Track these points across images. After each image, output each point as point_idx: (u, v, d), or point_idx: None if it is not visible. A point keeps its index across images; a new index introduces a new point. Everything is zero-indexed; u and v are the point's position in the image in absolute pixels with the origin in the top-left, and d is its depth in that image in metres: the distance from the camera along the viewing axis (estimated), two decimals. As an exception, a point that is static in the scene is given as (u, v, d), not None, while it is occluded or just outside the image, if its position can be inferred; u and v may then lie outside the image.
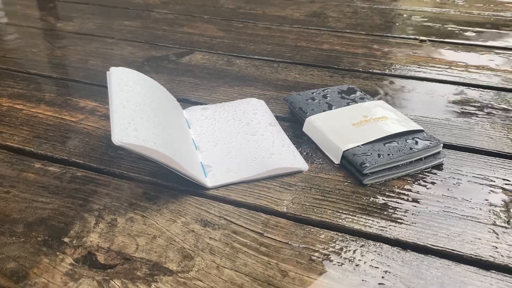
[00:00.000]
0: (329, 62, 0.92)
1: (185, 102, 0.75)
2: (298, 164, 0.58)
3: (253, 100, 0.73)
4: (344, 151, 0.58)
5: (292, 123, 0.69)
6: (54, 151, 0.63)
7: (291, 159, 0.59)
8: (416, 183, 0.56)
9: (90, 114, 0.72)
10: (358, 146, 0.58)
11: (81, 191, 0.55)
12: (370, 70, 0.88)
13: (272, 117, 0.69)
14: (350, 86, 0.74)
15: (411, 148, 0.58)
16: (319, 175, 0.57)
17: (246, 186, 0.55)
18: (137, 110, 0.55)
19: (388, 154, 0.57)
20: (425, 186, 0.55)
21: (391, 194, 0.54)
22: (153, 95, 0.62)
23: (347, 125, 0.62)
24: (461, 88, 0.81)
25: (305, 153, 0.62)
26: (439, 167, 0.59)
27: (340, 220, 0.50)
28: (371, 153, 0.57)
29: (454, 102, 0.75)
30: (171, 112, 0.64)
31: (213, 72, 0.88)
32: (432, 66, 0.89)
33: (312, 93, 0.72)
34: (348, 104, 0.68)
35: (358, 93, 0.72)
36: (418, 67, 0.89)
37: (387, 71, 0.87)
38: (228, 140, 0.63)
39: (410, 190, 0.54)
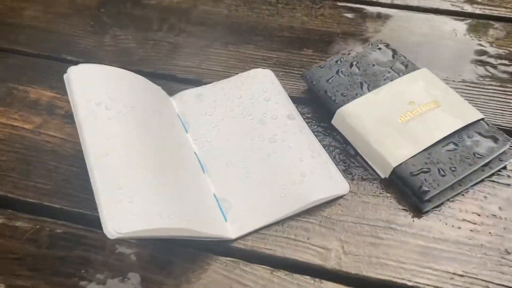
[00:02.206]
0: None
1: (170, 81, 0.58)
2: (338, 189, 0.46)
3: (258, 73, 0.56)
4: (395, 167, 0.46)
5: (313, 108, 0.55)
6: (17, 191, 0.48)
7: (328, 181, 0.47)
8: (485, 200, 0.46)
9: (49, 114, 0.54)
10: (411, 157, 0.46)
11: (68, 262, 0.42)
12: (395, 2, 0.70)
13: (288, 102, 0.54)
14: (380, 43, 0.58)
15: (475, 154, 0.46)
16: (365, 200, 0.46)
17: (278, 230, 0.44)
18: (124, 158, 0.39)
19: (452, 169, 0.45)
20: (496, 205, 0.45)
21: (459, 221, 0.44)
22: (137, 109, 0.45)
23: (392, 121, 0.49)
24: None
25: (340, 161, 0.49)
26: (503, 170, 0.48)
27: (406, 278, 0.41)
28: (430, 168, 0.45)
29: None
30: (164, 130, 0.48)
31: (195, 19, 0.67)
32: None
33: (336, 62, 0.56)
34: (384, 79, 0.53)
35: (393, 55, 0.56)
36: None
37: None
38: (242, 154, 0.49)
39: (483, 214, 0.45)
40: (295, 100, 0.55)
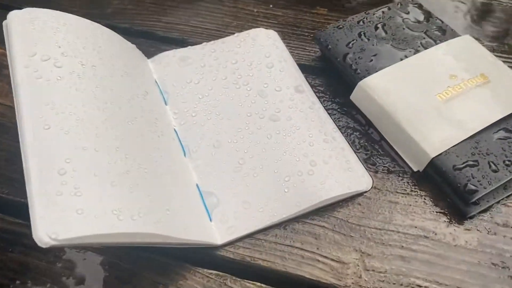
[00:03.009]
0: None
1: (148, 39, 0.46)
2: (358, 184, 0.36)
3: (260, 34, 0.45)
4: (433, 158, 0.35)
5: (327, 79, 0.44)
6: None
7: (346, 173, 0.36)
8: (545, 205, 0.35)
9: (-6, 75, 0.43)
10: (455, 145, 0.36)
11: (0, 269, 0.32)
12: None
13: (296, 70, 0.43)
14: (412, 3, 0.47)
15: (537, 145, 0.36)
16: (392, 199, 0.36)
17: (278, 235, 0.34)
18: (72, 134, 0.29)
19: (506, 164, 0.35)
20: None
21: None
22: (98, 69, 0.34)
23: (429, 99, 0.38)
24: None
25: (360, 148, 0.39)
26: None
27: (446, 306, 0.31)
28: (479, 161, 0.35)
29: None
30: (134, 99, 0.36)
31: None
32: None
33: (358, 22, 0.44)
34: (418, 46, 0.42)
35: (429, 18, 0.45)
36: None
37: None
38: (235, 134, 0.38)
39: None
40: (304, 68, 0.44)
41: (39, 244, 0.23)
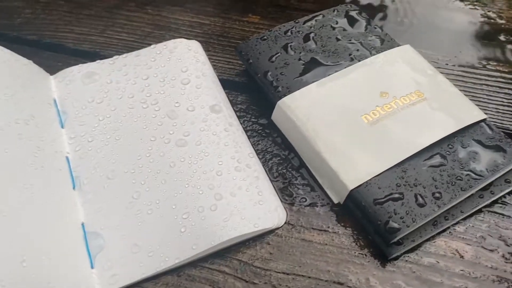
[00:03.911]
0: None
1: (58, 52, 0.42)
2: (269, 220, 0.31)
3: (180, 45, 0.41)
4: (352, 190, 0.31)
5: (252, 96, 0.39)
6: None
7: (256, 206, 0.31)
8: (484, 242, 0.31)
9: None
10: (377, 175, 0.31)
11: None
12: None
13: (216, 87, 0.39)
14: (350, 9, 0.42)
15: (471, 173, 0.31)
16: (307, 237, 0.31)
17: (170, 283, 0.29)
18: None
19: (435, 196, 0.30)
20: (499, 249, 0.31)
21: (443, 274, 0.29)
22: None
23: (354, 121, 0.34)
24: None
25: (278, 176, 0.34)
26: (510, 196, 0.34)
27: None
28: (404, 194, 0.30)
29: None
30: (19, 123, 0.31)
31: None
32: None
33: (286, 32, 0.40)
34: (351, 59, 0.38)
35: (366, 26, 0.41)
36: None
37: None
38: (134, 163, 0.33)
39: (479, 263, 0.30)
40: (227, 84, 0.39)
41: None
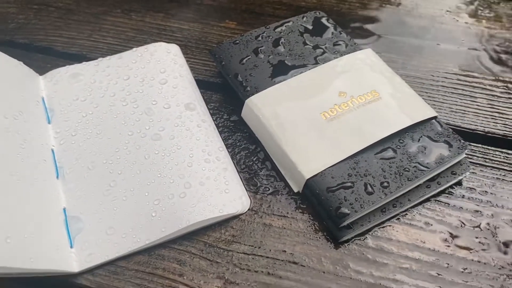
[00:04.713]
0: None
1: (48, 55, 0.45)
2: (233, 206, 0.34)
3: (160, 48, 0.44)
4: (308, 179, 0.34)
5: (225, 95, 0.43)
6: None
7: (222, 194, 0.35)
8: (428, 228, 0.34)
9: None
10: (332, 166, 0.34)
11: None
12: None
13: (191, 87, 0.42)
14: (318, 15, 0.46)
15: (418, 165, 0.35)
16: (268, 222, 0.34)
17: (141, 261, 0.32)
18: None
19: (384, 185, 0.34)
20: (442, 235, 0.34)
21: (389, 256, 0.32)
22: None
23: (313, 118, 0.37)
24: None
25: (245, 168, 0.38)
26: (456, 187, 0.37)
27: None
28: (355, 183, 0.34)
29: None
30: (7, 118, 0.35)
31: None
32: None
33: (257, 37, 0.43)
34: (315, 62, 0.41)
35: (332, 31, 0.44)
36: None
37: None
38: (112, 155, 0.37)
39: (423, 247, 0.33)
40: (203, 84, 0.43)
41: None
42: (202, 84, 0.43)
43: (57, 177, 0.36)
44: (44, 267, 0.30)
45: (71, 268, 0.31)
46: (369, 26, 0.49)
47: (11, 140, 0.34)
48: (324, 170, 0.34)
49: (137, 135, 0.38)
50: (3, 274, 0.28)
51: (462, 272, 0.32)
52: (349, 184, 0.34)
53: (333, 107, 0.37)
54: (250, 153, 0.38)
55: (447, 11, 0.51)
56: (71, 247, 0.32)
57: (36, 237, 0.31)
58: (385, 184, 0.34)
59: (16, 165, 0.33)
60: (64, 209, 0.34)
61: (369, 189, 0.33)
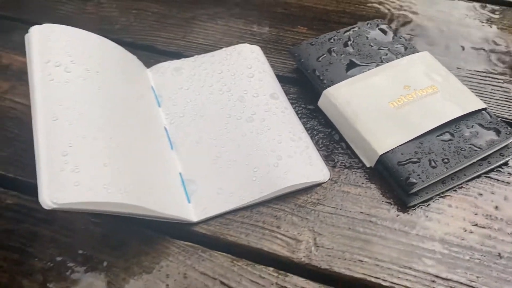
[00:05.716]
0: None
1: (150, 52, 0.54)
2: (317, 175, 0.42)
3: (245, 48, 0.52)
4: (381, 155, 0.41)
5: (301, 88, 0.50)
6: (-29, 157, 0.44)
7: (307, 166, 0.42)
8: (480, 198, 0.41)
9: (18, 80, 0.51)
10: (400, 145, 0.42)
11: (14, 236, 0.39)
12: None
13: (273, 80, 0.50)
14: (380, 23, 0.53)
15: (472, 146, 0.41)
16: (345, 189, 0.42)
17: (245, 215, 0.40)
18: (75, 124, 0.36)
19: (444, 161, 0.40)
20: (492, 204, 0.40)
21: (448, 219, 0.39)
22: (101, 75, 0.42)
23: (382, 106, 0.44)
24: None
25: (323, 146, 0.45)
26: (503, 166, 0.43)
27: (381, 277, 0.36)
28: (421, 159, 0.41)
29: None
30: (131, 101, 0.43)
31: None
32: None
33: (330, 39, 0.51)
34: (381, 61, 0.49)
35: (392, 36, 0.51)
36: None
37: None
38: (216, 132, 0.45)
39: (476, 213, 0.40)
40: (282, 79, 0.50)
41: (43, 206, 0.30)
42: (281, 79, 0.50)
43: (172, 148, 0.44)
44: (172, 213, 0.37)
45: (191, 218, 0.39)
46: (423, 33, 0.56)
47: (140, 116, 0.43)
48: (395, 148, 0.41)
49: (233, 117, 0.46)
50: (136, 215, 0.36)
51: (509, 233, 0.38)
52: (415, 159, 0.41)
53: (399, 98, 0.45)
54: (326, 136, 0.46)
55: (488, 19, 0.58)
56: (189, 202, 0.40)
57: (165, 191, 0.39)
58: (446, 160, 0.41)
59: (146, 136, 0.41)
60: (180, 174, 0.42)
61: (433, 164, 0.40)
